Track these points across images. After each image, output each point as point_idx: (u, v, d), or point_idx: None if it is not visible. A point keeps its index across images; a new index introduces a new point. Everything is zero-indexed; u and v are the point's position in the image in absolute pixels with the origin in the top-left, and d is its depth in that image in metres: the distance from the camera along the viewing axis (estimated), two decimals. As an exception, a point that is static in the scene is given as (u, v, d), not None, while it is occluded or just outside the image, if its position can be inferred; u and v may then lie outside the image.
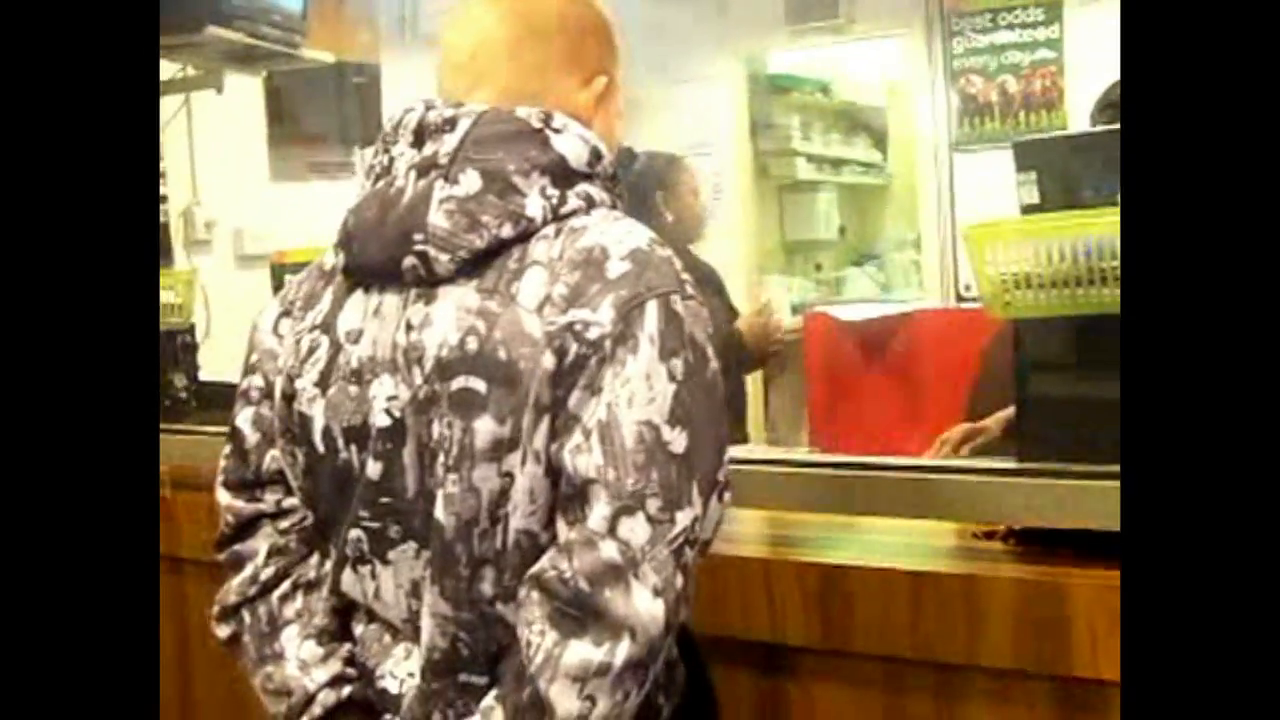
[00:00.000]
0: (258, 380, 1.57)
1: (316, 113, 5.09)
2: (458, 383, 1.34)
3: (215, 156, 4.62)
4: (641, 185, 4.06)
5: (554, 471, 1.33)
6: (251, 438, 1.57)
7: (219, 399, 2.91)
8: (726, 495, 1.36)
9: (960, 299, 5.97)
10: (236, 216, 4.78)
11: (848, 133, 8.00)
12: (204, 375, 3.19)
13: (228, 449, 1.60)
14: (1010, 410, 2.40)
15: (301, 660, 1.53)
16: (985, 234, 1.88)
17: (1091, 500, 1.76)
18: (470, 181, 1.39)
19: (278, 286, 2.74)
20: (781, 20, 6.74)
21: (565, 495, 1.32)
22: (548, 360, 1.31)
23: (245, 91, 4.40)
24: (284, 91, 4.88)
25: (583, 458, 1.30)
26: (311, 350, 1.48)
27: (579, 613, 1.26)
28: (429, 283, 1.39)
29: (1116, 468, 1.72)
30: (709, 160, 6.53)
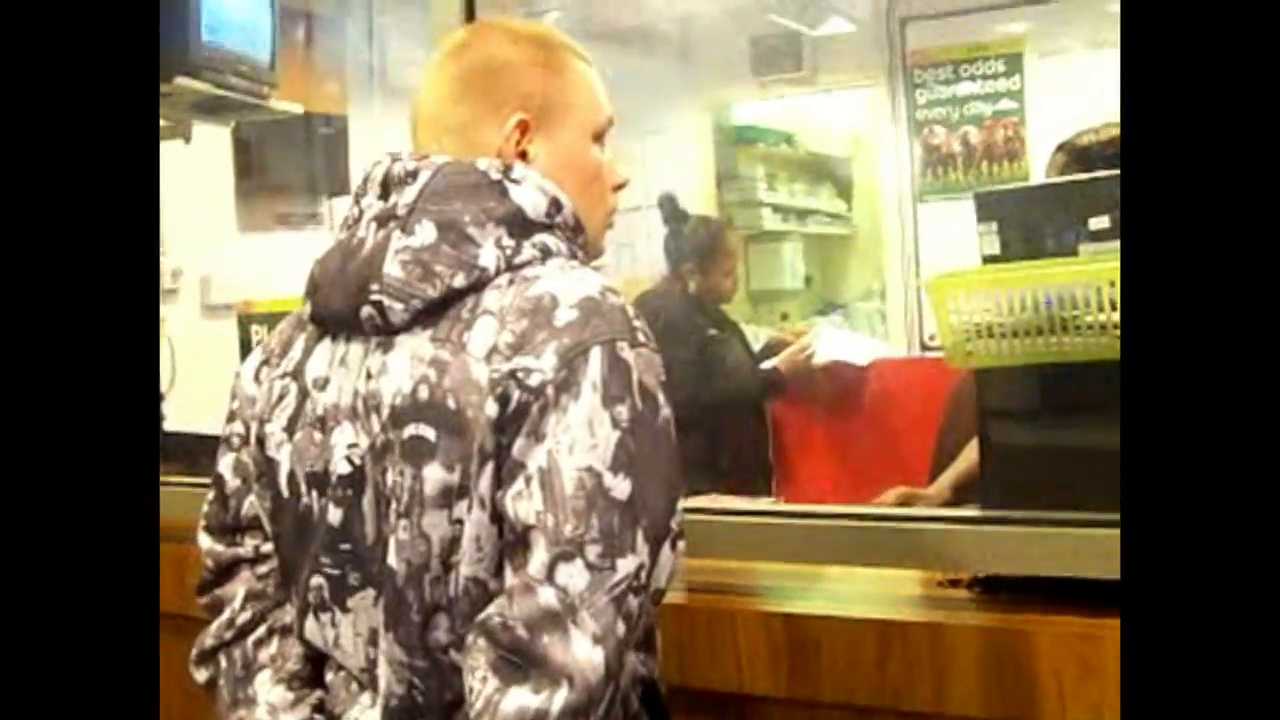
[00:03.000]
0: (238, 427, 1.58)
1: (284, 163, 5.10)
2: (409, 430, 1.36)
3: (183, 206, 4.62)
4: (680, 250, 4.13)
5: (500, 518, 1.33)
6: (232, 483, 1.59)
7: (184, 449, 2.90)
8: (680, 543, 1.36)
9: (925, 348, 6.01)
10: (203, 266, 4.78)
11: (813, 183, 8.05)
12: (170, 425, 3.18)
13: (210, 495, 1.62)
14: (950, 475, 2.43)
15: (271, 704, 1.53)
16: (948, 284, 1.89)
17: (1056, 547, 1.77)
18: (425, 232, 1.40)
19: (244, 337, 2.74)
20: (747, 72, 6.81)
21: (509, 542, 1.32)
22: (490, 407, 1.32)
23: (213, 141, 4.41)
24: (252, 142, 4.89)
25: (524, 504, 1.29)
26: (281, 396, 1.50)
27: (519, 659, 1.25)
28: (386, 331, 1.40)
29: (1080, 515, 1.75)
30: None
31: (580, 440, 1.29)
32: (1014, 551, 1.82)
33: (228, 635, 1.58)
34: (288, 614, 1.57)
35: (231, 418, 1.60)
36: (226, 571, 1.61)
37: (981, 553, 1.87)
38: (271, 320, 2.68)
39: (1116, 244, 1.82)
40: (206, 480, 2.55)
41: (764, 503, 2.94)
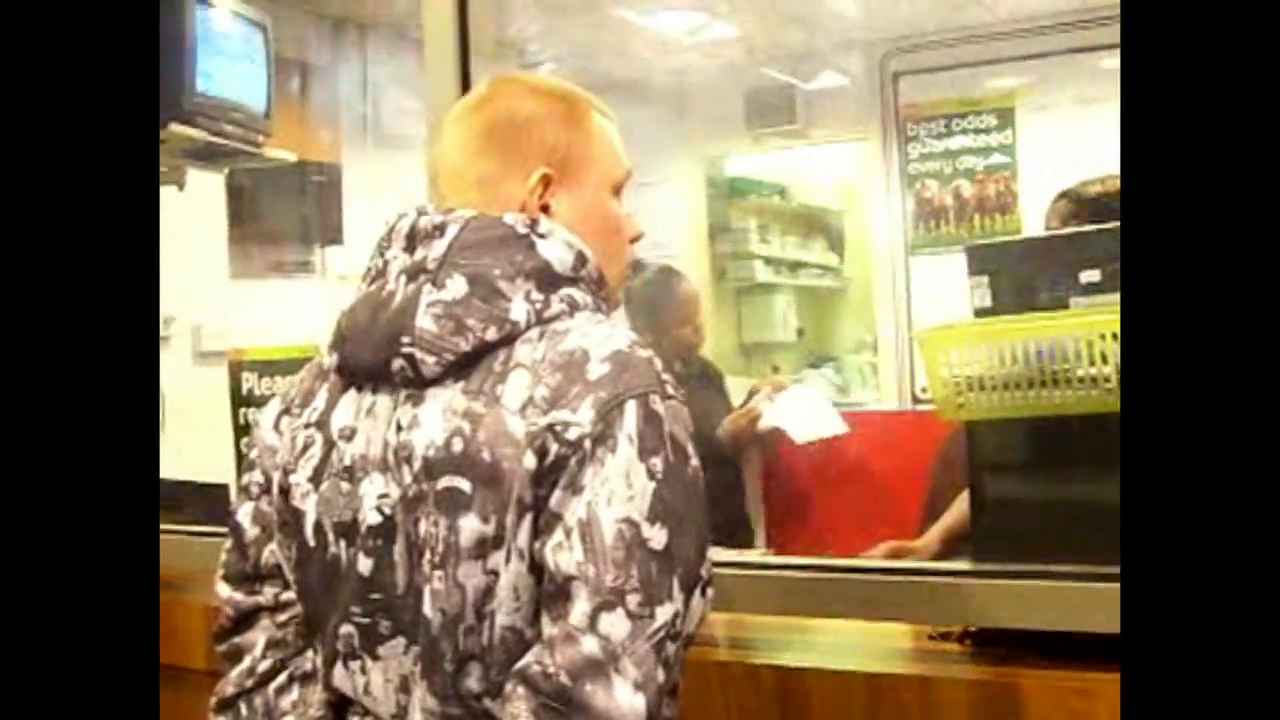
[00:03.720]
0: (257, 476, 1.59)
1: (277, 211, 5.11)
2: (444, 482, 1.37)
3: (175, 253, 4.62)
4: (635, 299, 3.93)
5: (537, 569, 1.35)
6: (250, 532, 1.60)
7: (176, 497, 2.88)
8: (709, 590, 1.38)
9: (916, 401, 6.01)
10: (195, 313, 4.77)
11: (805, 236, 8.09)
12: (161, 473, 3.16)
13: (228, 543, 1.63)
14: (939, 528, 2.42)
15: None
16: (939, 337, 1.90)
17: (1046, 600, 1.77)
18: (457, 286, 1.42)
19: (235, 385, 2.73)
20: (741, 125, 6.85)
21: (548, 592, 1.33)
22: (529, 460, 1.34)
23: (207, 189, 4.41)
24: (245, 190, 4.90)
25: (564, 555, 1.31)
26: (306, 446, 1.51)
27: (562, 707, 1.27)
28: (417, 384, 1.42)
29: (1071, 568, 1.74)
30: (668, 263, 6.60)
31: (618, 492, 1.32)
32: (1004, 605, 1.81)
33: (249, 683, 1.58)
34: (309, 661, 1.58)
35: (250, 467, 1.61)
36: (246, 620, 1.61)
37: (972, 606, 1.86)
38: (263, 368, 2.67)
39: (1107, 297, 1.83)
40: (197, 528, 2.55)
41: (754, 554, 2.93)
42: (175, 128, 3.28)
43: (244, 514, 1.61)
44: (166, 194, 3.99)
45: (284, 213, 5.14)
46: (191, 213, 4.38)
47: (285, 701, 1.57)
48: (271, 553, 1.58)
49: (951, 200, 6.31)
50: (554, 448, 1.34)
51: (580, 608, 1.29)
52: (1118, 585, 1.66)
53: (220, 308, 4.84)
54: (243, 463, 1.64)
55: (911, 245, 6.40)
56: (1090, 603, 1.71)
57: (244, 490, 1.61)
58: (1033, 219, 5.92)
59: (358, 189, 5.14)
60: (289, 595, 1.58)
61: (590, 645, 1.28)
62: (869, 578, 1.97)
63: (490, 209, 1.48)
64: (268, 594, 1.60)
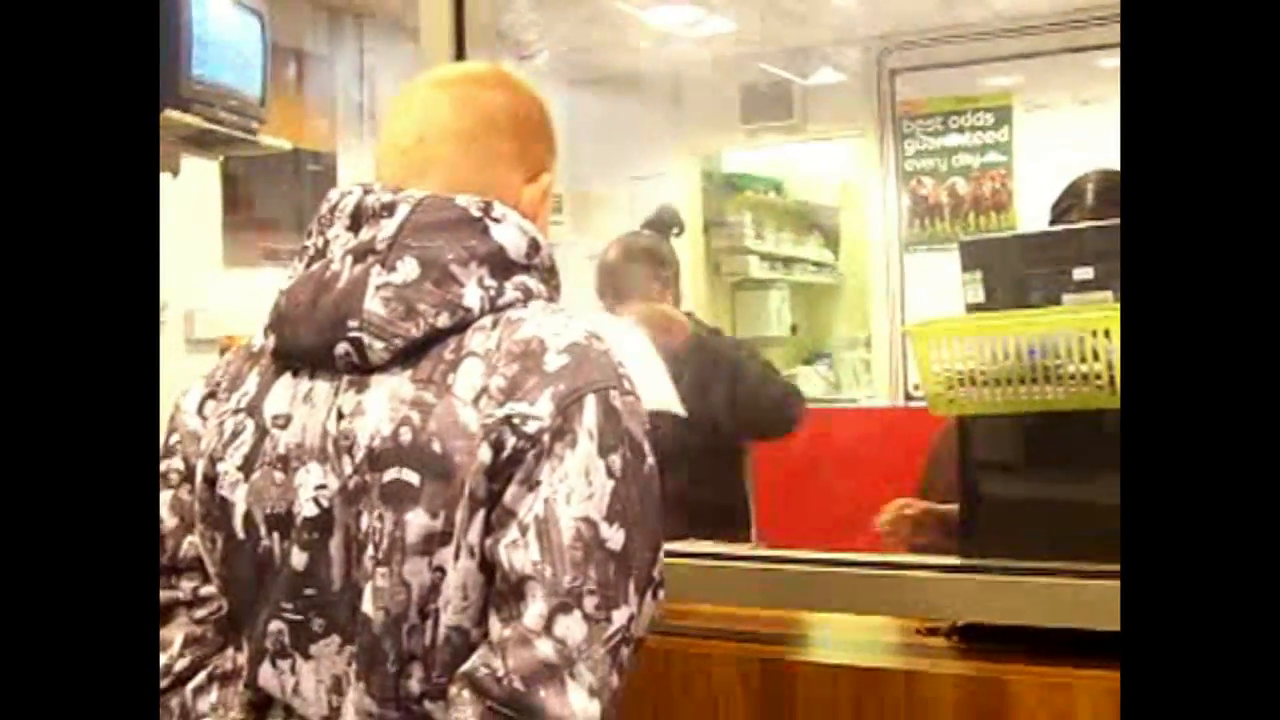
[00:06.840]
0: (177, 463, 1.51)
1: (272, 199, 5.11)
2: (390, 474, 1.31)
3: (169, 239, 4.62)
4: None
5: (488, 567, 1.29)
6: (169, 522, 1.50)
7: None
8: (660, 593, 1.34)
9: (909, 398, 6.02)
10: (189, 300, 4.77)
11: (800, 232, 8.10)
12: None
13: None
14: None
15: None
16: (929, 331, 1.90)
17: (1034, 597, 1.77)
18: (408, 269, 1.36)
19: (226, 371, 2.72)
20: (736, 120, 6.85)
21: (500, 591, 1.28)
22: (484, 453, 1.28)
23: (202, 175, 4.41)
24: (240, 177, 4.91)
25: (519, 553, 1.26)
26: (236, 434, 1.43)
27: (512, 712, 1.23)
28: (362, 370, 1.36)
29: (1058, 564, 1.75)
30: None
31: (577, 490, 1.27)
32: (992, 600, 1.82)
33: (164, 683, 1.47)
34: (228, 660, 1.49)
35: (169, 453, 1.52)
36: (161, 615, 1.49)
37: (960, 601, 1.86)
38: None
39: (1100, 294, 1.83)
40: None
41: (744, 547, 2.93)
42: (170, 114, 3.27)
43: (161, 503, 1.50)
44: (161, 180, 3.99)
45: (279, 200, 5.14)
46: (186, 199, 4.38)
47: (203, 703, 1.47)
48: (191, 544, 1.49)
49: (947, 197, 6.32)
50: (511, 441, 1.28)
51: (536, 609, 1.24)
52: (1105, 581, 1.69)
53: (214, 295, 4.84)
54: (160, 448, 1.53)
55: (906, 242, 6.42)
56: (1079, 599, 1.72)
57: (162, 478, 1.51)
58: (1028, 217, 5.94)
59: (353, 178, 5.14)
60: (209, 589, 1.49)
61: (545, 648, 1.23)
62: (858, 571, 1.97)
63: (484, 190, 1.43)
64: (185, 588, 1.50)
